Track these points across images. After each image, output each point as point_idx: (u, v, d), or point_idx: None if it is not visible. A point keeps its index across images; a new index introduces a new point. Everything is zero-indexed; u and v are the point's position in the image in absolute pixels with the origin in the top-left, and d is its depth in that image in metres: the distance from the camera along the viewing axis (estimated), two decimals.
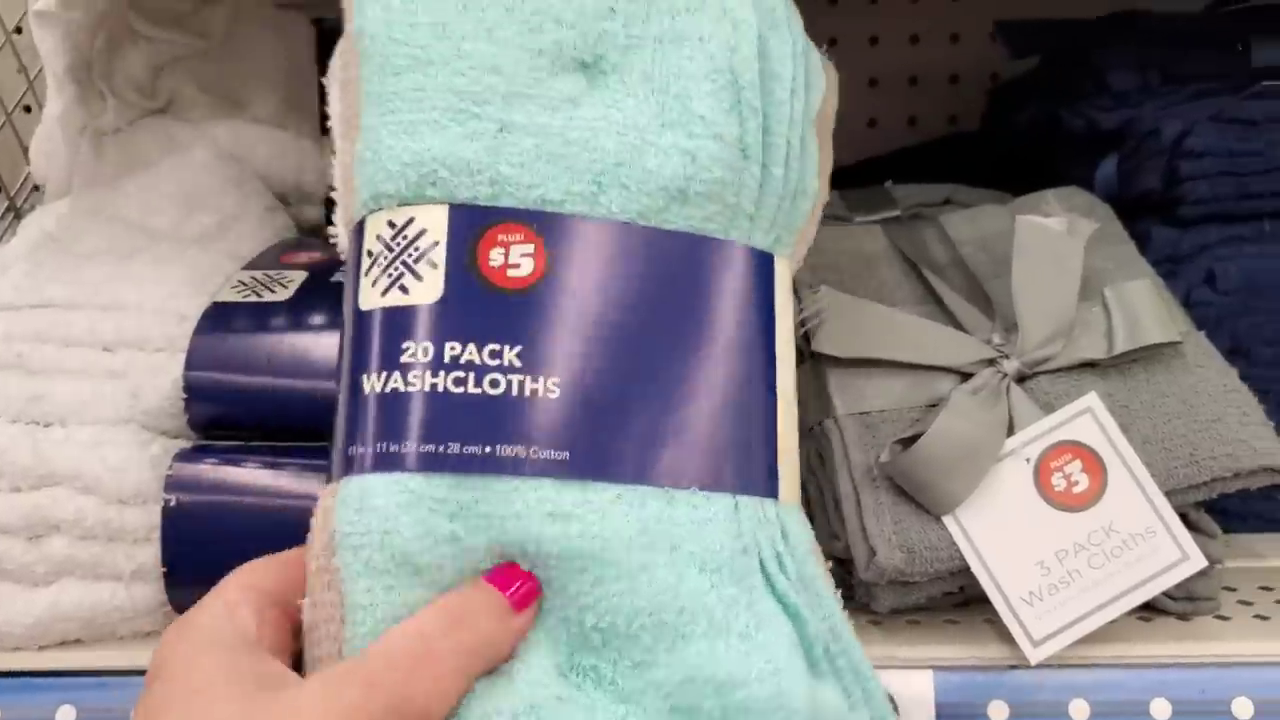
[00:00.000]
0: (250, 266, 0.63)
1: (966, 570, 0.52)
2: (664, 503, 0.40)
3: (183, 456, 0.56)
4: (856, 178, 0.80)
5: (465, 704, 0.37)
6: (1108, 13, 0.76)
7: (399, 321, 0.41)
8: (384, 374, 0.41)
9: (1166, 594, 0.54)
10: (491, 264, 0.41)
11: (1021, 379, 0.55)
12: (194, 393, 0.56)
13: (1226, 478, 0.53)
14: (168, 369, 0.57)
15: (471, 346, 0.40)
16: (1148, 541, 0.51)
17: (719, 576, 0.40)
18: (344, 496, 0.40)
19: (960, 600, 0.57)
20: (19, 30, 0.84)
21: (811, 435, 0.57)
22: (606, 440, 0.40)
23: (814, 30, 1.00)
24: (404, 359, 0.40)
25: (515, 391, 0.40)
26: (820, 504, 0.56)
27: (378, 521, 0.39)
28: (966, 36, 0.99)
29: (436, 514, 0.39)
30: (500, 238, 0.41)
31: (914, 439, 0.52)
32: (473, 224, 0.42)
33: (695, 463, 0.41)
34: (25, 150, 0.75)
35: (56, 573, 0.54)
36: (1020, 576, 0.51)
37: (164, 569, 0.54)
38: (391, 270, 0.42)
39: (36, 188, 0.78)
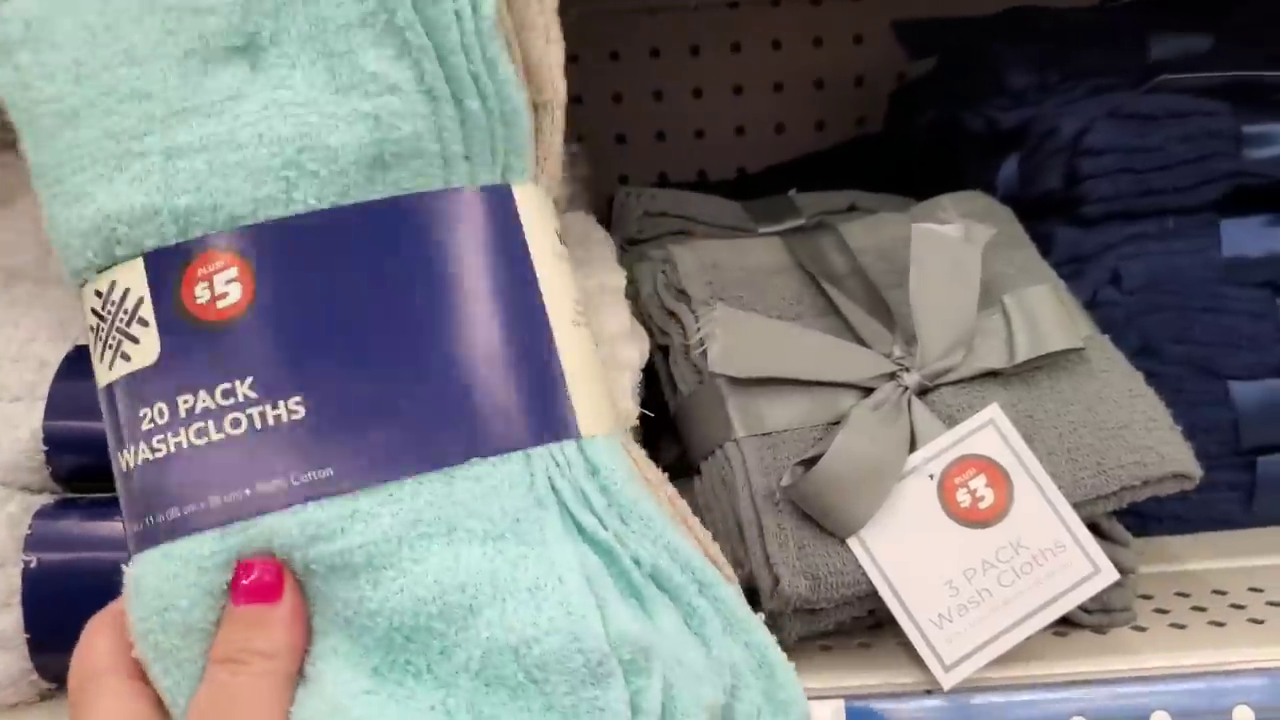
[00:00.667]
0: None
1: (874, 594, 0.50)
2: (442, 484, 0.39)
3: (43, 513, 0.52)
4: (763, 186, 0.78)
5: None
6: (1003, 9, 0.75)
7: (130, 390, 0.40)
8: (132, 448, 0.40)
9: (1082, 608, 0.52)
10: (198, 301, 0.39)
11: (923, 392, 0.53)
12: (55, 443, 0.53)
13: (1135, 486, 0.52)
14: (26, 419, 0.53)
15: (203, 393, 0.39)
16: (1058, 556, 0.50)
17: (502, 543, 0.39)
18: (127, 584, 0.39)
19: (873, 623, 0.55)
20: None
21: (713, 459, 0.55)
22: (368, 443, 0.39)
23: (716, 35, 0.99)
24: (144, 426, 0.39)
25: (259, 424, 0.38)
26: (724, 530, 0.53)
27: (154, 602, 0.38)
28: (870, 37, 0.98)
29: (208, 571, 0.38)
30: (200, 272, 0.39)
31: (815, 459, 0.50)
32: (169, 267, 0.40)
33: (468, 434, 0.40)
34: None
35: None
36: (928, 598, 0.49)
37: (27, 635, 0.51)
38: (110, 340, 0.40)
39: None
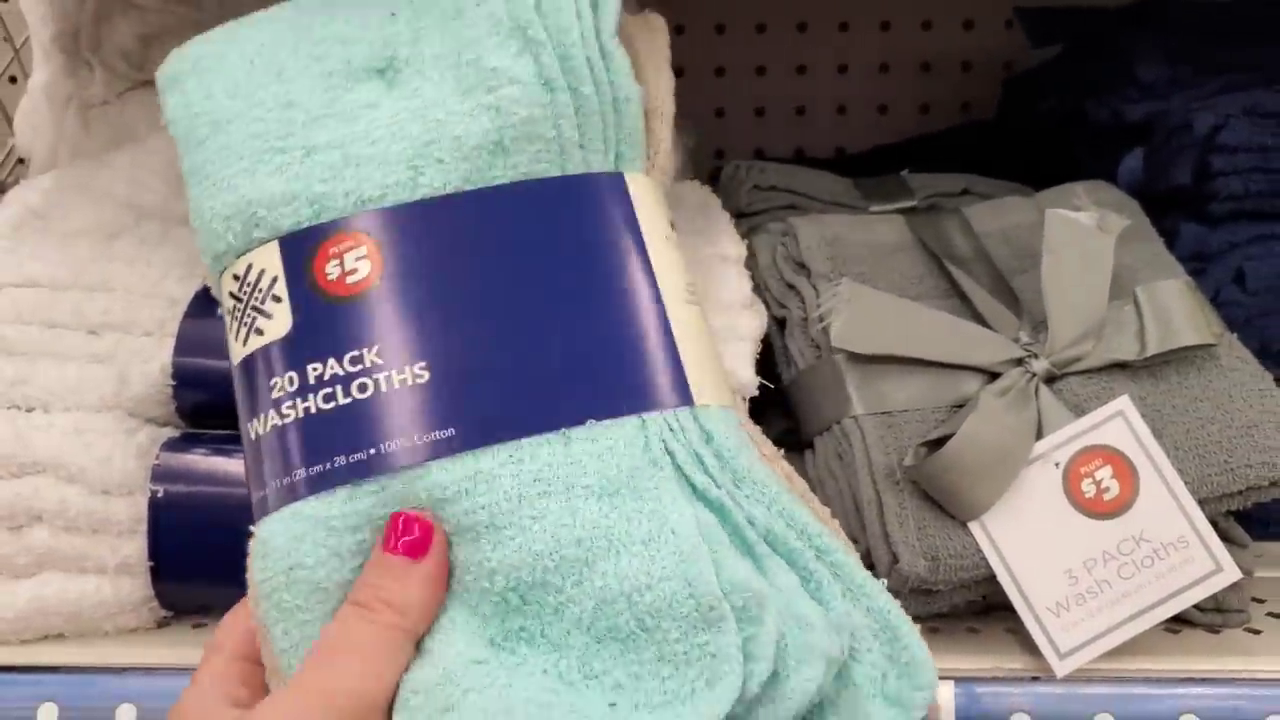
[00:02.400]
0: None
1: (991, 578, 0.50)
2: (560, 445, 0.40)
3: (170, 445, 0.54)
4: (867, 165, 0.78)
5: (398, 695, 0.38)
6: (1135, 1, 0.74)
7: (262, 362, 0.42)
8: (262, 416, 0.42)
9: (1196, 606, 0.52)
10: (329, 277, 0.42)
11: (1050, 380, 0.53)
12: (183, 379, 0.54)
13: (1263, 486, 0.51)
14: (156, 354, 0.54)
15: (332, 361, 0.41)
16: (1180, 552, 0.49)
17: (617, 498, 0.40)
18: (253, 547, 0.41)
19: (981, 608, 0.55)
20: None
21: (829, 434, 0.55)
22: (489, 405, 0.40)
23: (824, 13, 0.98)
24: (274, 395, 0.41)
25: (384, 388, 0.40)
26: (839, 506, 0.53)
27: (281, 561, 0.40)
28: (981, 23, 0.97)
29: (337, 532, 0.40)
30: (332, 250, 0.42)
31: (939, 442, 0.50)
32: (303, 247, 0.43)
33: (584, 398, 0.41)
34: (10, 122, 0.72)
35: (39, 564, 0.52)
36: (1047, 586, 0.49)
37: (150, 563, 0.52)
38: (245, 319, 0.43)
39: (21, 161, 0.75)
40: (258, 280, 0.43)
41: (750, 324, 0.56)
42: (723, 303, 0.56)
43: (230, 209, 0.44)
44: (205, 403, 0.55)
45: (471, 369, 0.41)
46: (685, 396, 0.43)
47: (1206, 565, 0.49)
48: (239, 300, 0.44)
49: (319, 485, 0.40)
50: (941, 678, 0.49)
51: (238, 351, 0.44)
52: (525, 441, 0.40)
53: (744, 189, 0.70)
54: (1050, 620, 0.49)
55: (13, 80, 0.86)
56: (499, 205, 0.44)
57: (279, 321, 0.42)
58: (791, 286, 0.59)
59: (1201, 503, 0.50)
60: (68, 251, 0.58)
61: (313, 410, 0.41)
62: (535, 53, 0.44)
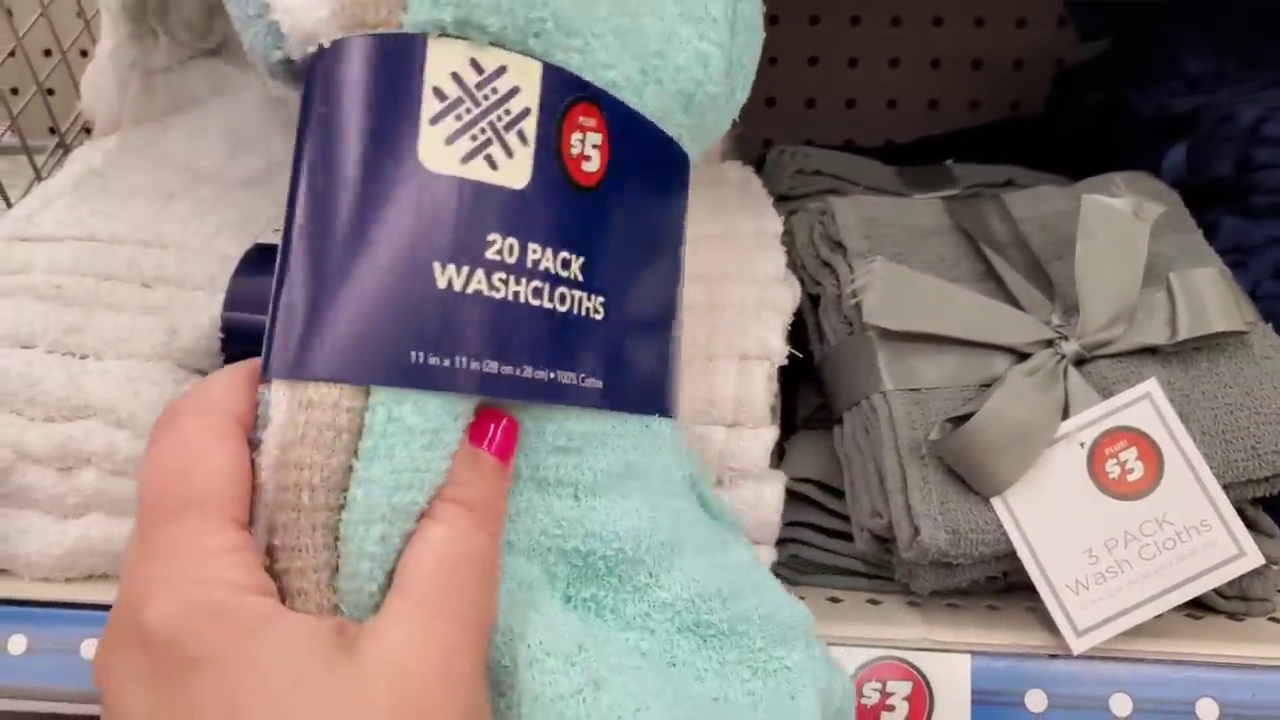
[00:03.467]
0: None
1: (1012, 555, 0.50)
2: (641, 430, 0.39)
3: None
4: (913, 155, 0.78)
5: (508, 642, 0.34)
6: None
7: (485, 204, 0.33)
8: (466, 269, 0.33)
9: (1219, 592, 0.52)
10: (572, 151, 0.35)
11: (1080, 362, 0.53)
12: (231, 333, 0.55)
13: None
14: (206, 307, 0.56)
15: (549, 252, 0.34)
16: (1202, 535, 0.50)
17: (679, 501, 0.40)
18: (406, 420, 0.32)
19: (1002, 586, 0.55)
20: None
21: (858, 409, 0.56)
22: (625, 369, 0.38)
23: (878, 8, 0.98)
24: (489, 254, 0.33)
25: (577, 310, 0.35)
26: (864, 480, 0.54)
27: (445, 462, 0.33)
28: (1033, 22, 0.97)
29: (549, 490, 0.37)
30: (581, 120, 0.36)
31: (965, 418, 0.51)
32: (561, 96, 0.35)
33: (667, 392, 0.41)
34: (78, 89, 0.75)
35: (86, 505, 0.54)
36: (1067, 564, 0.50)
37: None
38: (476, 132, 0.33)
39: (87, 129, 0.77)
40: (508, 95, 0.34)
41: (783, 296, 0.56)
42: (758, 276, 0.57)
43: None
44: (252, 356, 0.56)
45: (628, 325, 0.38)
46: (674, 408, 0.43)
47: (1229, 549, 0.49)
48: (471, 99, 0.33)
49: (492, 386, 0.33)
50: (959, 652, 0.50)
51: (443, 159, 0.33)
52: (629, 418, 0.38)
53: (787, 173, 0.71)
54: (1069, 598, 0.49)
55: (83, 53, 0.88)
56: (662, 158, 0.40)
57: (517, 167, 0.34)
58: (827, 264, 0.60)
59: (1226, 488, 0.51)
60: (126, 208, 0.60)
61: (521, 298, 0.33)
62: (735, 29, 0.41)
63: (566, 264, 0.35)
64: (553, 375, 0.35)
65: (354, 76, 0.33)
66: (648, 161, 0.38)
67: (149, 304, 0.57)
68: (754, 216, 0.60)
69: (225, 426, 0.33)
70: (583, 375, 0.36)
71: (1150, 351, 0.53)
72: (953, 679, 0.50)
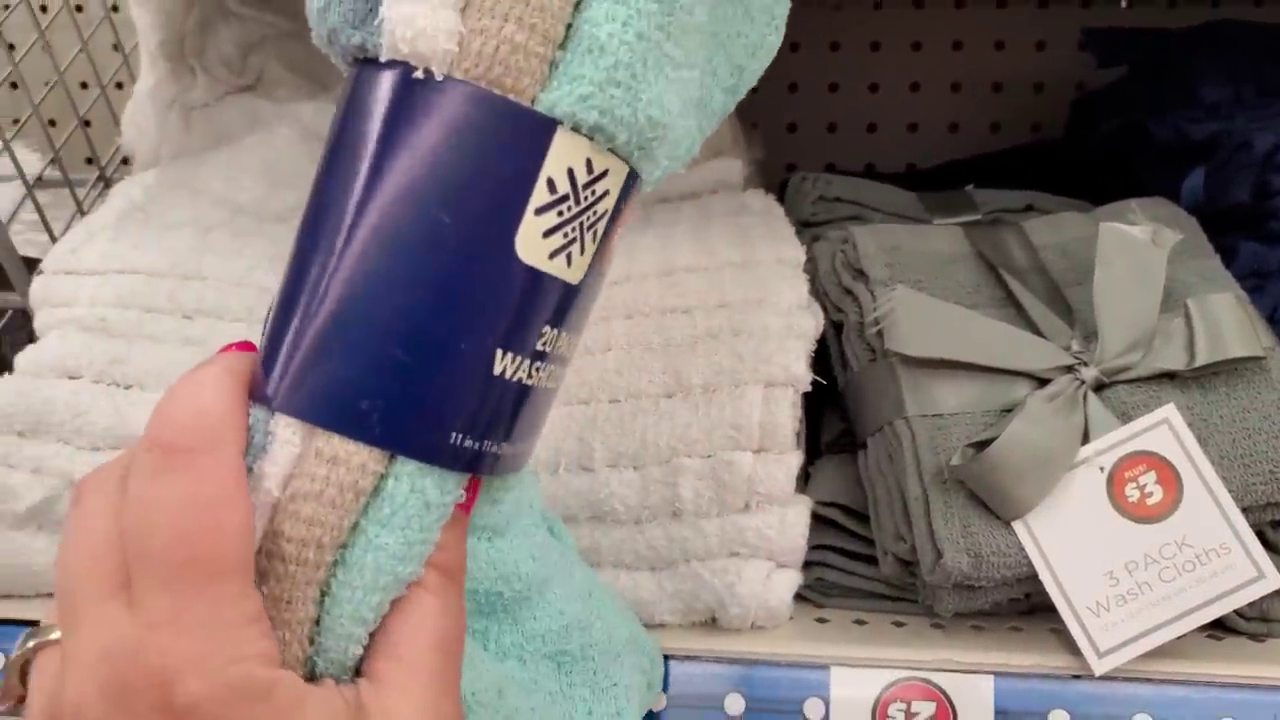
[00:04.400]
0: None
1: (1033, 577, 0.51)
2: (521, 483, 0.39)
3: None
4: (936, 181, 0.79)
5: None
6: (1200, 23, 0.75)
7: (550, 296, 0.33)
8: (518, 359, 0.33)
9: (1239, 614, 0.53)
10: (614, 242, 0.35)
11: (1099, 387, 0.54)
12: None
13: None
14: (245, 339, 0.57)
15: (555, 333, 0.34)
16: (1222, 558, 0.50)
17: (544, 528, 0.42)
18: (427, 494, 0.32)
19: (1025, 608, 0.56)
20: (115, 9, 0.86)
21: (881, 435, 0.57)
22: (530, 429, 0.36)
23: (898, 32, 1.00)
24: (539, 345, 0.33)
25: (552, 384, 0.35)
26: (887, 504, 0.55)
27: (419, 533, 0.33)
28: (1053, 44, 0.98)
29: (474, 535, 0.38)
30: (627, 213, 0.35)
31: (987, 443, 0.52)
32: (631, 194, 0.35)
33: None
34: (117, 123, 0.77)
35: None
36: (1088, 586, 0.51)
37: None
38: (569, 229, 0.33)
39: (125, 160, 0.79)
40: (601, 198, 0.33)
41: (807, 324, 0.58)
42: (781, 304, 0.58)
43: (653, 98, 0.33)
44: None
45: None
46: None
47: (1248, 572, 0.50)
48: (575, 199, 0.32)
49: (499, 468, 0.34)
50: (982, 672, 0.51)
51: (535, 250, 0.32)
52: (519, 474, 0.38)
53: (809, 200, 0.72)
54: (1090, 619, 0.50)
55: (119, 86, 0.91)
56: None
57: (582, 263, 0.33)
58: (849, 292, 0.61)
59: (1245, 511, 0.51)
60: (166, 242, 0.62)
61: (542, 385, 0.34)
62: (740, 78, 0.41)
63: (554, 341, 0.34)
64: (525, 446, 0.35)
65: (466, 131, 0.31)
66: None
67: (189, 336, 0.58)
68: (776, 245, 0.62)
69: (241, 467, 0.30)
70: (531, 439, 0.36)
71: (1169, 377, 0.54)
72: (976, 699, 0.51)
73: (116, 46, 0.87)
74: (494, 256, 0.31)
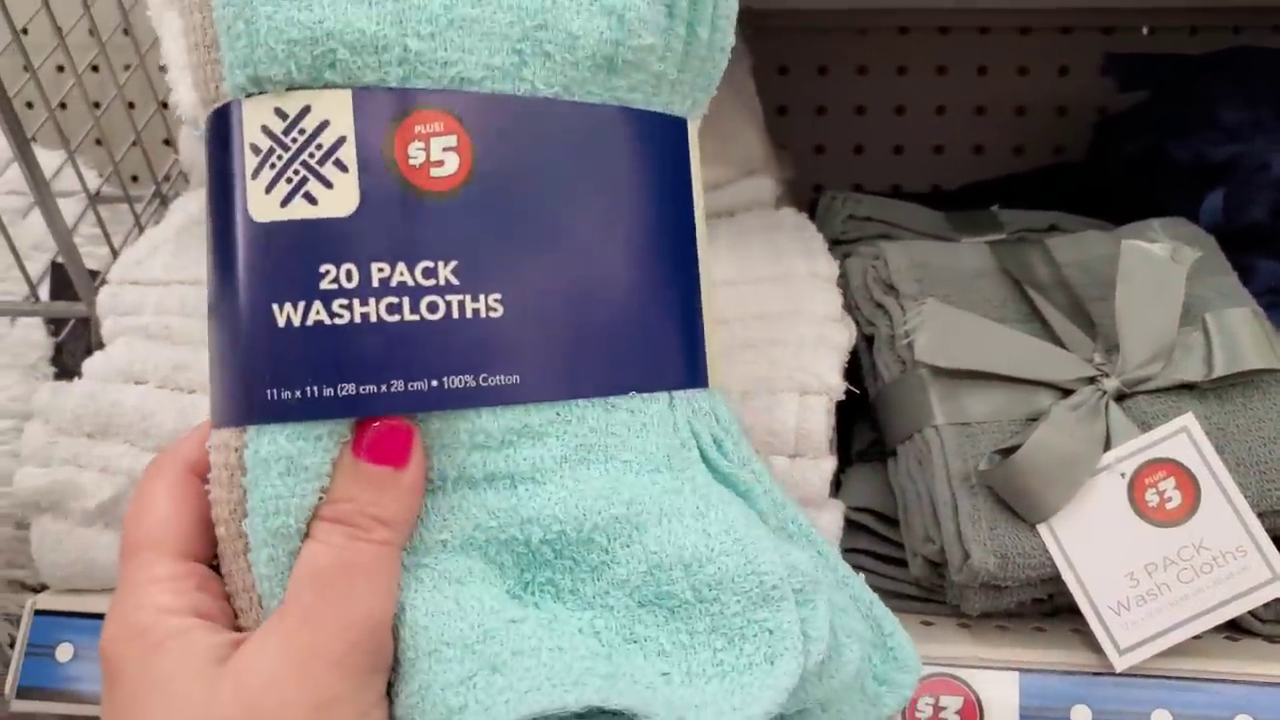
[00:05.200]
0: None
1: (1057, 578, 0.54)
2: (603, 412, 0.38)
3: None
4: (961, 201, 0.82)
5: (413, 635, 0.35)
6: (1219, 49, 0.77)
7: (311, 239, 0.34)
8: (302, 304, 0.34)
9: (1256, 615, 0.55)
10: (411, 162, 0.35)
11: (1120, 397, 0.56)
12: None
13: None
14: None
15: (402, 266, 0.35)
16: (1238, 560, 0.53)
17: (658, 475, 0.38)
18: (261, 452, 0.35)
19: (1048, 608, 0.58)
20: None
21: (911, 442, 0.59)
22: (553, 357, 0.37)
23: (923, 58, 1.02)
24: (324, 285, 0.34)
25: (457, 314, 0.35)
26: (917, 507, 0.57)
27: (311, 483, 0.35)
28: (1076, 69, 1.01)
29: (490, 485, 0.37)
30: (418, 129, 0.35)
31: (1013, 450, 0.54)
32: (384, 114, 0.35)
33: (633, 366, 0.39)
34: (174, 142, 0.80)
35: None
36: (1110, 586, 0.53)
37: None
38: (290, 174, 0.35)
39: (184, 175, 0.82)
40: (316, 132, 0.35)
41: (840, 335, 0.60)
42: (815, 316, 0.61)
43: (301, 32, 0.34)
44: None
45: (539, 311, 0.37)
46: (703, 376, 0.41)
47: (1263, 574, 0.52)
48: (281, 146, 0.35)
49: (366, 408, 0.34)
50: (1007, 669, 0.53)
51: (266, 208, 0.35)
52: (574, 404, 0.38)
53: (839, 218, 0.75)
54: (1111, 618, 0.52)
55: (163, 105, 0.94)
56: (587, 129, 0.38)
57: (341, 196, 0.34)
58: (880, 306, 0.64)
59: (1261, 516, 0.54)
60: None
61: (371, 318, 0.34)
62: None
63: (431, 272, 0.35)
64: (436, 383, 0.35)
65: (209, 149, 0.37)
66: (549, 142, 0.37)
67: None
68: (810, 260, 0.64)
69: (175, 474, 0.38)
70: (483, 375, 0.36)
71: (1187, 388, 0.57)
72: (1002, 695, 0.53)
73: (163, 67, 0.90)
74: (238, 230, 0.35)
